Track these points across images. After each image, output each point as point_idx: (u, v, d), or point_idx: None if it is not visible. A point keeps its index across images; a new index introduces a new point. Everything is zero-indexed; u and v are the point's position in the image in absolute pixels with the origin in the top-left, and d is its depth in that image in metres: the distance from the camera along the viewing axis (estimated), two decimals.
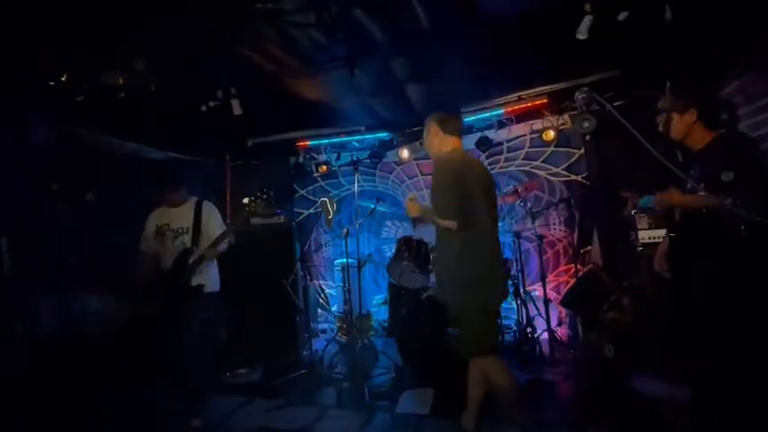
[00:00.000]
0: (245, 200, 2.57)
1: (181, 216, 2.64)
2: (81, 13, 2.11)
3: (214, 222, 2.67)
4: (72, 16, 2.12)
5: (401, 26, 2.58)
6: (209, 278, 2.64)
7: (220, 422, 2.64)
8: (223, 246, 2.59)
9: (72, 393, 2.50)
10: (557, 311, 4.02)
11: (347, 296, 3.73)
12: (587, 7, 2.36)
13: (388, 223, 5.12)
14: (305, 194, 5.29)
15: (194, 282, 2.54)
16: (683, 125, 1.90)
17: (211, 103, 3.13)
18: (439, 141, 2.28)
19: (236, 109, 3.18)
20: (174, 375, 2.57)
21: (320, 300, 5.15)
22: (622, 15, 2.35)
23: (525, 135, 4.50)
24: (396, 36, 2.65)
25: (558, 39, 2.70)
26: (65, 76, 2.12)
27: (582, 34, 2.45)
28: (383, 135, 4.82)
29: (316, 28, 2.45)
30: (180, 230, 2.61)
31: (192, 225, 2.59)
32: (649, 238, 3.07)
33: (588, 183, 4.16)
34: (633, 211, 3.16)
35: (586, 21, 2.38)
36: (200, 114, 3.21)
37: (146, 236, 2.69)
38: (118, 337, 2.92)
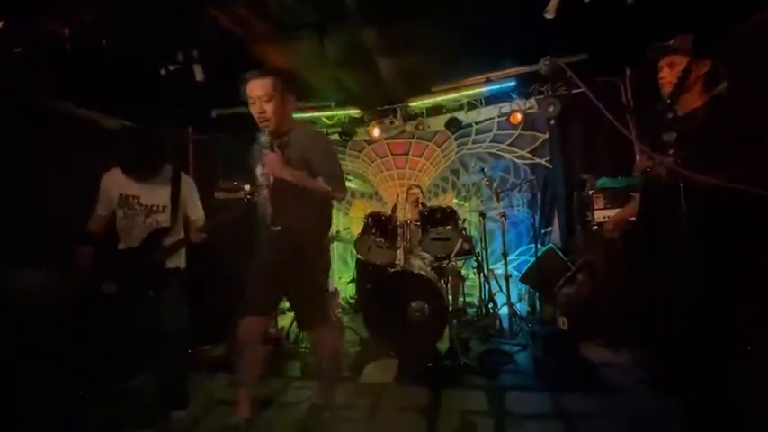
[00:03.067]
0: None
1: (154, 192, 2.32)
2: None
3: (195, 200, 2.43)
4: None
5: None
6: (182, 258, 2.41)
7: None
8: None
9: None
10: (518, 288, 4.20)
11: None
12: None
13: (357, 201, 5.11)
14: None
15: (171, 264, 2.32)
16: (689, 75, 1.61)
17: (171, 67, 2.95)
18: (290, 111, 1.93)
19: (199, 74, 3.03)
20: (142, 360, 2.41)
21: None
22: None
23: (494, 118, 4.59)
24: (367, 3, 2.60)
25: (527, 20, 2.75)
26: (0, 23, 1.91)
27: (549, 14, 2.50)
28: (353, 112, 4.76)
29: None
30: (154, 208, 2.31)
31: (171, 203, 2.30)
32: (604, 218, 3.24)
33: (551, 166, 4.32)
34: (591, 192, 3.32)
35: (554, 1, 2.43)
36: (158, 79, 3.03)
37: (104, 200, 2.32)
38: (66, 316, 2.69)
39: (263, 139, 1.75)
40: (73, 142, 3.10)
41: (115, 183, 2.31)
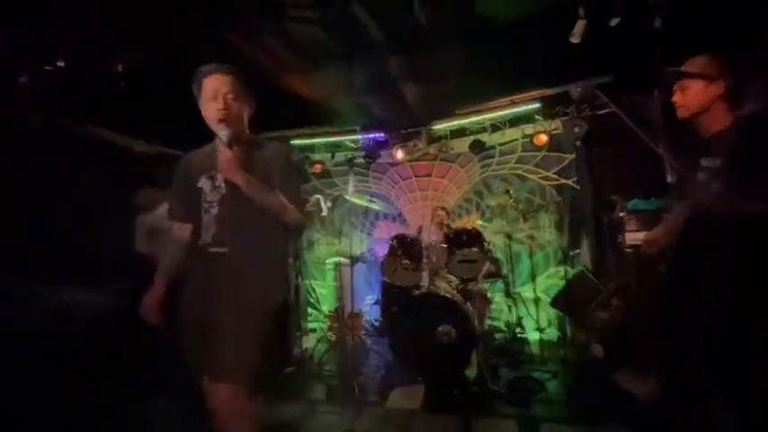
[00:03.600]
0: None
1: None
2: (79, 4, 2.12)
3: None
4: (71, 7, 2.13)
5: (400, 26, 2.63)
6: None
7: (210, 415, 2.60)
8: None
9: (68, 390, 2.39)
10: (546, 312, 4.07)
11: (339, 294, 3.73)
12: (581, 12, 2.43)
13: (381, 223, 5.15)
14: None
15: None
16: (703, 98, 1.56)
17: None
18: (249, 119, 1.64)
19: None
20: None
21: (311, 299, 5.14)
22: (614, 21, 2.43)
23: (518, 139, 4.58)
24: (394, 35, 2.70)
25: (552, 43, 2.78)
26: (63, 63, 2.10)
27: (576, 38, 2.52)
28: (378, 135, 4.86)
29: (316, 24, 2.48)
30: None
31: None
32: (637, 241, 3.14)
33: (578, 187, 4.25)
34: (621, 213, 3.23)
35: (580, 24, 2.46)
36: (192, 107, 3.20)
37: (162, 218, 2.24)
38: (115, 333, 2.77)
39: (222, 134, 1.45)
40: (125, 171, 3.29)
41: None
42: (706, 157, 1.55)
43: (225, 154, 1.43)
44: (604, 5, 2.41)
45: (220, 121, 1.49)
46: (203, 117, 1.55)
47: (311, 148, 5.04)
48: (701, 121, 1.60)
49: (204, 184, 1.56)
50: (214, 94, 1.50)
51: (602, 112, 3.79)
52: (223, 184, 1.52)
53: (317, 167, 5.03)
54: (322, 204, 5.10)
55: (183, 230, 1.61)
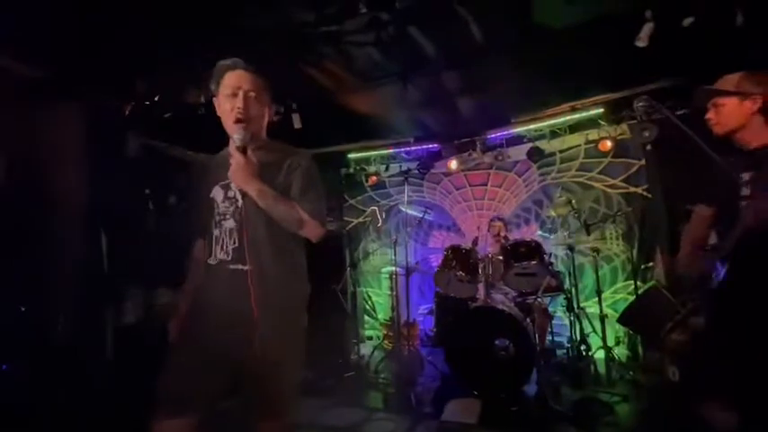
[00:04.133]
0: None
1: None
2: (168, 43, 2.45)
3: None
4: (162, 45, 2.46)
5: (455, 42, 2.67)
6: None
7: None
8: None
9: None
10: (614, 330, 3.81)
11: (394, 303, 3.81)
12: (648, 14, 2.31)
13: (435, 233, 5.16)
14: (354, 204, 5.47)
15: None
16: (738, 115, 1.55)
17: (275, 118, 3.38)
18: (268, 122, 1.51)
19: (297, 123, 3.41)
20: None
21: (367, 306, 5.27)
22: (687, 21, 2.27)
23: (580, 145, 4.37)
24: (449, 51, 2.75)
25: (616, 46, 2.65)
26: (157, 97, 2.44)
27: (642, 42, 2.39)
28: (432, 146, 4.90)
29: (373, 46, 2.60)
30: None
31: None
32: None
33: (649, 195, 3.95)
34: None
35: (647, 28, 2.33)
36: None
37: None
38: None
39: (237, 136, 1.31)
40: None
41: None
42: (748, 170, 1.53)
43: (237, 160, 1.30)
44: (675, 6, 2.26)
45: (237, 121, 1.34)
46: (219, 116, 1.41)
47: (366, 160, 5.20)
48: (738, 137, 1.59)
49: (217, 193, 1.40)
50: (234, 90, 1.35)
51: (677, 113, 3.50)
52: (238, 194, 1.36)
53: (373, 179, 5.18)
54: (378, 215, 5.26)
55: (202, 247, 1.46)
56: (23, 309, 2.16)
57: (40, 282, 2.23)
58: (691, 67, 3.01)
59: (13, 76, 2.34)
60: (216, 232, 1.37)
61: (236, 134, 1.32)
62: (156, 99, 2.48)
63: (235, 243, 1.35)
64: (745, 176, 1.52)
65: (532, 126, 4.33)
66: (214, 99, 1.45)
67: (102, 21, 2.16)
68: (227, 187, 1.39)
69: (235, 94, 1.36)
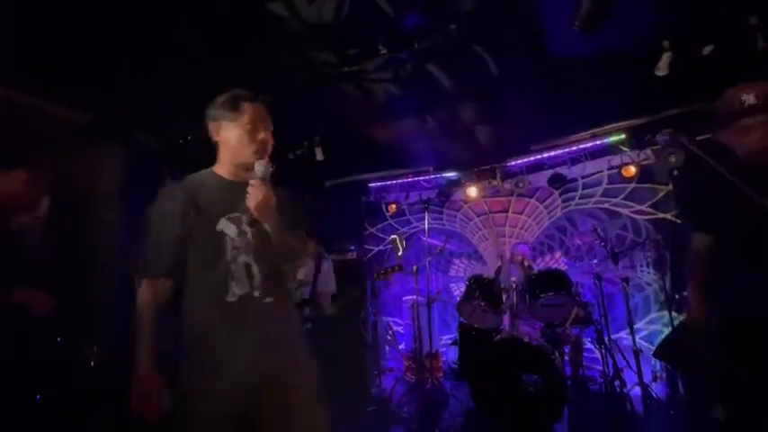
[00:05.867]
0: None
1: (305, 268, 2.65)
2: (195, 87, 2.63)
3: (332, 275, 2.73)
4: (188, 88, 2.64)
5: (472, 75, 2.75)
6: None
7: None
8: None
9: None
10: (650, 364, 3.60)
11: (416, 333, 3.74)
12: (666, 44, 2.32)
13: (456, 261, 5.10)
14: (375, 232, 5.50)
15: None
16: (763, 134, 1.45)
17: (298, 152, 3.52)
18: None
19: (319, 155, 3.53)
20: None
21: (388, 336, 5.19)
22: (707, 50, 2.27)
23: (603, 171, 4.31)
24: (466, 84, 2.82)
25: (637, 74, 2.66)
26: (189, 137, 2.60)
27: (662, 71, 2.40)
28: (451, 174, 4.93)
29: (392, 83, 2.70)
30: (301, 282, 2.63)
31: (313, 279, 2.61)
32: None
33: (680, 221, 3.81)
34: None
35: (666, 57, 2.34)
36: (287, 162, 3.62)
37: None
38: None
39: (259, 168, 1.30)
40: None
41: None
42: None
43: (260, 192, 1.27)
44: (693, 34, 2.27)
45: (259, 153, 1.34)
46: (225, 144, 1.38)
47: (386, 189, 5.27)
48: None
49: (227, 227, 1.31)
50: (255, 123, 1.36)
51: (702, 137, 3.43)
52: (248, 227, 1.32)
53: (392, 207, 5.23)
54: (398, 243, 5.26)
55: (162, 288, 1.33)
56: (59, 339, 2.23)
57: (77, 314, 2.30)
58: (713, 93, 2.99)
59: (54, 118, 2.47)
60: (232, 267, 1.29)
61: (259, 167, 1.31)
62: (189, 137, 2.63)
63: (253, 277, 1.30)
64: None
65: (552, 153, 4.31)
66: (212, 123, 1.39)
67: (137, 62, 2.32)
68: (238, 221, 1.32)
69: (256, 128, 1.36)
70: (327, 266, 2.64)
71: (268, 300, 1.31)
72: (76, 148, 2.60)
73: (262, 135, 1.36)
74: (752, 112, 1.46)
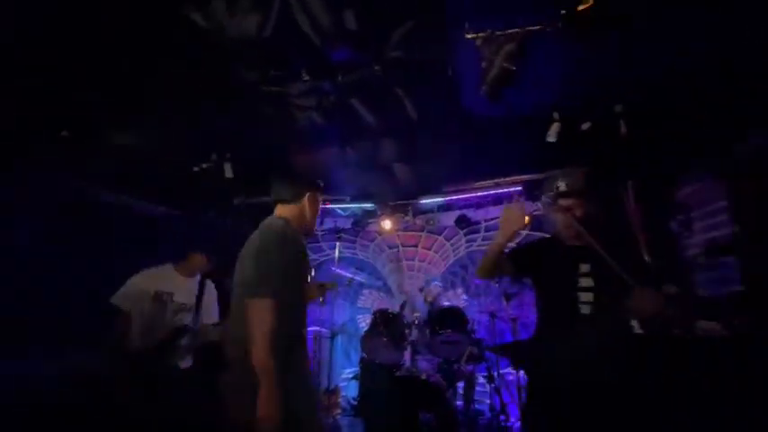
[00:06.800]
0: None
1: (187, 290, 2.35)
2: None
3: (214, 308, 2.45)
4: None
5: (392, 115, 2.84)
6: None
7: None
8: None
9: None
10: None
11: (316, 368, 3.58)
12: (555, 115, 2.68)
13: (365, 292, 5.09)
14: None
15: (182, 364, 2.30)
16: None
17: (204, 165, 3.24)
18: None
19: (228, 172, 3.29)
20: None
21: None
22: (585, 125, 2.67)
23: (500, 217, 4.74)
24: (386, 122, 2.91)
25: (534, 135, 3.02)
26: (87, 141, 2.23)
27: (551, 137, 2.75)
28: (367, 205, 4.99)
29: (315, 110, 2.67)
30: (183, 306, 2.33)
31: (195, 304, 2.32)
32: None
33: None
34: None
35: (555, 127, 2.69)
36: (193, 175, 3.31)
37: (132, 295, 2.27)
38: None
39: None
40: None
41: (152, 278, 2.32)
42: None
43: None
44: (577, 111, 2.66)
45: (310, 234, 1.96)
46: (305, 217, 1.88)
47: None
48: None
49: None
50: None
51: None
52: None
53: None
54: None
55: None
56: None
57: None
58: (593, 159, 3.53)
59: None
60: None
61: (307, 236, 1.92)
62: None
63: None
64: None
65: (461, 195, 4.64)
66: (310, 194, 1.91)
67: None
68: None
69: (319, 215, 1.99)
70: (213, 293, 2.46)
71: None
72: None
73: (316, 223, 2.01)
74: (563, 196, 1.75)
